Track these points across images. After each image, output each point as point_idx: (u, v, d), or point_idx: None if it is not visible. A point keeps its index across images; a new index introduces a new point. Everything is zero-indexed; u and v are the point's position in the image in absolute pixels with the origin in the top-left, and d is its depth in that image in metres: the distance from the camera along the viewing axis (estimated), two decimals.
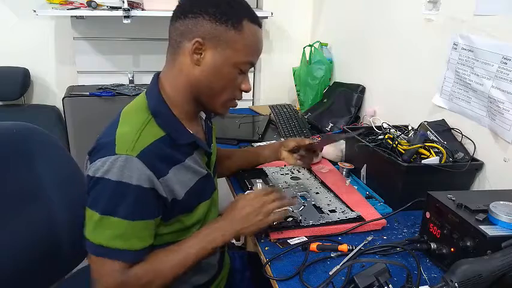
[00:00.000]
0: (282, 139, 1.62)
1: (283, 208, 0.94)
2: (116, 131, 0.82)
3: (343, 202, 1.12)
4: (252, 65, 0.91)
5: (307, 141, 1.21)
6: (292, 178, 1.27)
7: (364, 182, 1.28)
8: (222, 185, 1.41)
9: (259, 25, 0.90)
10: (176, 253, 0.85)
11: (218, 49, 0.85)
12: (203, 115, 1.03)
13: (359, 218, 1.04)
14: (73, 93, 2.02)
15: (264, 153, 1.28)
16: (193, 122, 0.95)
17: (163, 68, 0.93)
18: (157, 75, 0.92)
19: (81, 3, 2.01)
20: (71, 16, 2.04)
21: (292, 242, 0.96)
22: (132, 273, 0.80)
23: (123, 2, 1.87)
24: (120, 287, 0.80)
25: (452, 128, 1.25)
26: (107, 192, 0.78)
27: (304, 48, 2.02)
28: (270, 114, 1.87)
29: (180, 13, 0.87)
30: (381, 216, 1.05)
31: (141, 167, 0.78)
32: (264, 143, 1.58)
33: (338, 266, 0.87)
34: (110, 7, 1.94)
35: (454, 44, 1.23)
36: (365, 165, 1.27)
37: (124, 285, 0.80)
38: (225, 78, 0.87)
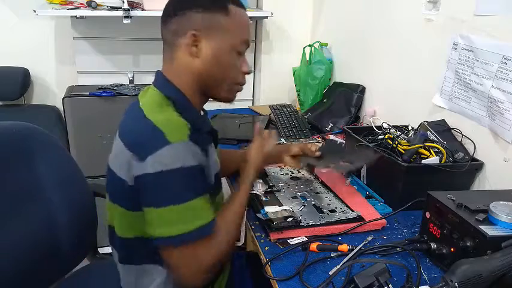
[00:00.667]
0: (282, 139, 1.62)
1: None
2: (151, 121, 0.81)
3: (343, 202, 1.12)
4: (247, 43, 0.93)
5: (312, 148, 1.19)
6: (292, 178, 1.27)
7: (364, 182, 1.28)
8: (223, 185, 1.42)
9: (243, 7, 0.93)
10: (233, 205, 0.93)
11: (213, 37, 0.87)
12: (217, 100, 1.05)
13: (359, 218, 1.04)
14: (73, 93, 2.01)
15: None
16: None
17: (162, 68, 0.93)
18: (161, 73, 0.93)
19: (81, 3, 2.01)
20: (71, 16, 2.04)
21: (292, 242, 0.97)
22: (217, 240, 0.83)
23: (123, 2, 1.87)
24: (216, 257, 0.83)
25: (452, 128, 1.25)
26: (177, 182, 0.79)
27: (304, 48, 2.02)
28: (270, 114, 1.87)
29: (168, 14, 0.89)
30: (381, 216, 1.05)
31: (195, 149, 0.82)
32: None
33: (338, 266, 0.87)
34: (110, 7, 1.94)
35: (454, 44, 1.23)
36: (365, 165, 1.27)
37: (217, 254, 0.84)
38: (226, 63, 0.89)
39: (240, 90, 0.97)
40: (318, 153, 1.18)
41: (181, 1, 0.88)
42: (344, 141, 1.21)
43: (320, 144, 1.23)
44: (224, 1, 0.88)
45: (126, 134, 0.85)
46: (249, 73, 0.95)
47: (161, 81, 0.91)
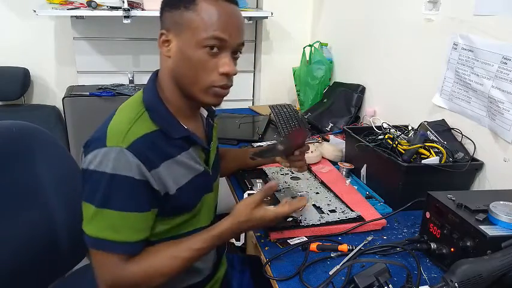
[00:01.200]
0: (282, 139, 1.62)
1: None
2: (108, 125, 0.83)
3: (343, 202, 1.12)
4: (221, 40, 0.83)
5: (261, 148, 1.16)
6: (292, 178, 1.27)
7: (364, 182, 1.28)
8: (222, 184, 1.42)
9: (227, 0, 0.85)
10: (177, 248, 0.85)
11: (180, 35, 0.84)
12: (205, 113, 1.02)
13: (359, 218, 1.04)
14: (73, 93, 2.02)
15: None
16: (190, 119, 0.94)
17: None
18: (155, 73, 0.93)
19: (81, 3, 2.01)
20: (71, 16, 2.04)
21: (292, 242, 0.97)
22: (130, 267, 0.80)
23: (123, 2, 1.87)
24: (116, 279, 0.80)
25: (452, 128, 1.25)
26: (100, 185, 0.78)
27: (304, 48, 2.02)
28: (270, 114, 1.87)
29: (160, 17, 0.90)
30: (381, 216, 1.05)
31: (132, 159, 0.78)
32: (264, 143, 1.58)
33: (338, 266, 0.87)
34: (110, 7, 1.94)
35: (454, 44, 1.23)
36: (365, 165, 1.27)
37: (120, 278, 0.80)
38: (193, 61, 0.83)
39: (223, 94, 0.88)
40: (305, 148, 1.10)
41: (161, 4, 0.88)
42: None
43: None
44: None
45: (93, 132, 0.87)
46: (228, 74, 0.86)
47: (148, 82, 0.92)
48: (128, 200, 0.80)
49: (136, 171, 0.79)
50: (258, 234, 1.01)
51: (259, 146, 1.53)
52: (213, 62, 0.84)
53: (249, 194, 1.11)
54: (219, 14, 0.83)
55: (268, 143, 1.58)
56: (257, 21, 2.25)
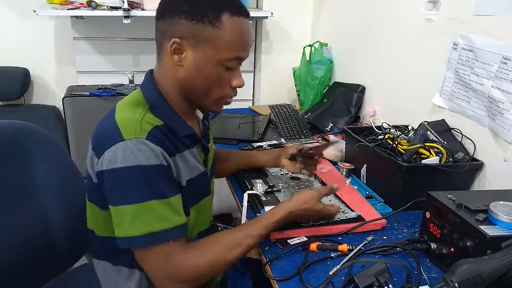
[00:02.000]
0: (282, 139, 1.62)
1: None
2: (114, 119, 0.81)
3: (343, 202, 1.12)
4: (240, 59, 0.87)
5: (306, 147, 1.19)
6: (292, 178, 1.27)
7: (364, 182, 1.28)
8: (222, 184, 1.42)
9: (245, 15, 0.85)
10: (239, 234, 0.86)
11: (198, 48, 0.82)
12: (200, 115, 1.02)
13: (359, 218, 1.04)
14: (73, 93, 2.02)
15: (263, 158, 1.28)
16: (190, 119, 0.94)
17: (154, 67, 0.92)
18: (150, 72, 0.92)
19: (81, 3, 2.01)
20: (71, 16, 2.04)
21: (292, 242, 0.96)
22: (192, 257, 0.80)
23: (123, 2, 1.87)
24: (181, 270, 0.79)
25: (452, 128, 1.25)
26: (132, 181, 0.76)
27: (304, 48, 2.02)
28: (270, 114, 1.87)
29: (160, 13, 0.85)
30: (381, 216, 1.05)
31: (154, 147, 0.78)
32: (264, 143, 1.58)
33: (338, 266, 0.87)
34: (110, 7, 1.94)
35: (454, 44, 1.23)
36: (365, 165, 1.27)
37: (184, 268, 0.79)
38: (210, 78, 0.84)
39: (229, 103, 0.93)
40: (313, 151, 1.17)
41: (174, 4, 0.83)
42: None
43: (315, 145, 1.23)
44: (218, 11, 0.80)
45: (94, 132, 0.85)
46: (240, 87, 0.89)
47: (145, 81, 0.91)
48: (166, 187, 0.79)
49: (162, 157, 0.79)
50: None
51: (287, 145, 1.52)
52: (227, 76, 0.86)
53: (249, 194, 1.11)
54: (241, 33, 0.84)
55: (273, 142, 1.58)
56: (257, 21, 2.25)
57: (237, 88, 0.90)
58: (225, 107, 0.95)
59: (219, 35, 0.81)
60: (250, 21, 0.90)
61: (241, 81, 0.88)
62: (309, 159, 1.20)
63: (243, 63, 0.90)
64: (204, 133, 1.01)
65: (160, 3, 0.87)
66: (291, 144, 1.53)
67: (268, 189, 1.16)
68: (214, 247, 0.83)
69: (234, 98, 0.93)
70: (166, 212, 0.78)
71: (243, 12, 0.84)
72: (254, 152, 1.41)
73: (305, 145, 1.22)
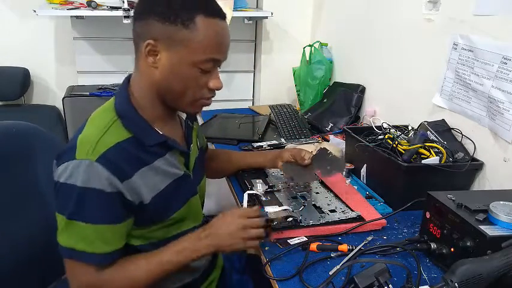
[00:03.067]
0: (282, 139, 1.62)
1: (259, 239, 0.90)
2: (78, 136, 0.82)
3: (343, 202, 1.12)
4: (216, 61, 0.85)
5: (305, 156, 1.15)
6: (292, 178, 1.26)
7: (364, 182, 1.28)
8: (222, 185, 1.42)
9: (221, 17, 0.84)
10: (152, 260, 0.84)
11: (172, 49, 0.81)
12: (183, 115, 1.01)
13: (359, 218, 1.04)
14: (73, 93, 2.02)
15: (260, 160, 1.27)
16: (167, 123, 0.92)
17: (133, 71, 0.91)
18: (128, 78, 0.91)
19: (81, 3, 2.01)
20: (71, 16, 2.04)
21: (292, 242, 0.96)
22: (102, 277, 0.81)
23: (123, 2, 1.87)
24: (93, 286, 0.81)
25: (452, 128, 1.25)
26: (70, 197, 0.78)
27: (304, 48, 2.02)
28: (270, 114, 1.87)
29: (136, 14, 0.85)
30: (381, 216, 1.05)
31: (101, 171, 0.77)
32: (264, 143, 1.58)
33: (338, 266, 0.87)
34: (110, 7, 1.94)
35: (454, 44, 1.23)
36: (365, 165, 1.27)
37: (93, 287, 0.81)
38: (185, 79, 0.83)
39: (208, 105, 0.91)
40: (307, 162, 1.14)
41: (146, 5, 0.83)
42: (333, 154, 1.14)
43: (312, 151, 1.19)
44: (191, 13, 0.80)
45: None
46: (218, 89, 0.88)
47: (120, 88, 0.90)
48: (99, 213, 0.79)
49: (107, 183, 0.78)
50: None
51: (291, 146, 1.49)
52: (204, 78, 0.85)
53: (249, 194, 1.11)
54: (216, 35, 0.82)
55: (273, 142, 1.58)
56: (257, 21, 2.25)
57: (216, 90, 0.89)
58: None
59: (193, 37, 0.80)
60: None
61: (218, 83, 0.87)
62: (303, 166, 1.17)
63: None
64: (186, 135, 1.00)
65: (136, 4, 0.87)
66: (291, 145, 1.52)
67: (268, 189, 1.16)
68: (126, 269, 0.84)
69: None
70: (92, 236, 0.79)
71: (218, 14, 0.83)
72: (252, 153, 1.41)
73: (300, 151, 1.18)
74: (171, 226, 0.93)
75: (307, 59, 2.00)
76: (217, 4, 0.85)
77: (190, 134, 1.01)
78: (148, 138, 0.86)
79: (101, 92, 2.03)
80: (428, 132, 1.22)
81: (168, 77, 0.83)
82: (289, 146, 1.36)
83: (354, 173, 1.34)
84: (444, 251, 0.87)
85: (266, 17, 2.12)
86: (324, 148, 1.16)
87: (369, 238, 0.99)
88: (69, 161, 0.79)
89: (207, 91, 0.88)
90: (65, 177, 0.78)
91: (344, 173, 1.33)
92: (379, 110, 1.67)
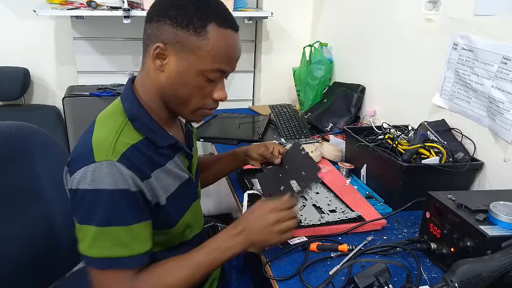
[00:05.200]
0: (282, 139, 1.62)
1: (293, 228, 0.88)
2: (91, 138, 0.79)
3: (343, 202, 1.12)
4: (223, 72, 0.84)
5: (271, 150, 1.11)
6: None
7: (364, 182, 1.28)
8: (222, 184, 1.42)
9: (233, 29, 0.83)
10: (185, 264, 0.82)
11: (181, 55, 0.80)
12: (183, 119, 1.00)
13: (359, 218, 1.04)
14: (73, 93, 2.02)
15: (232, 164, 1.22)
16: (171, 126, 0.92)
17: (138, 72, 0.90)
18: (131, 80, 0.90)
19: (81, 3, 2.01)
20: (71, 16, 2.04)
21: (292, 242, 0.96)
22: (138, 283, 0.78)
23: (123, 2, 1.88)
24: None
25: (452, 128, 1.25)
26: (98, 204, 0.75)
27: (304, 48, 2.02)
28: (270, 114, 1.87)
29: (148, 16, 0.84)
30: (381, 216, 1.05)
31: (125, 171, 0.76)
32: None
33: (338, 266, 0.87)
34: (110, 7, 1.94)
35: (454, 44, 1.23)
36: (365, 165, 1.27)
37: None
38: (190, 86, 0.82)
39: (209, 115, 0.90)
40: (278, 161, 1.09)
41: (161, 9, 0.82)
42: (306, 152, 1.01)
43: (284, 146, 1.13)
44: (204, 20, 0.79)
45: (74, 147, 0.83)
46: (222, 100, 0.87)
47: (125, 91, 0.88)
48: (130, 213, 0.77)
49: (132, 182, 0.76)
50: None
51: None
52: (209, 88, 0.84)
53: (249, 194, 1.11)
54: (226, 46, 0.81)
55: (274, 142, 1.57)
56: (257, 21, 2.25)
57: (219, 101, 0.88)
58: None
59: (203, 45, 0.79)
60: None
61: (223, 94, 0.86)
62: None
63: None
64: (187, 137, 1.00)
65: (150, 6, 0.86)
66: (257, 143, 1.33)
67: None
68: (161, 272, 0.81)
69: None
70: (127, 239, 0.77)
71: (232, 25, 0.82)
72: (222, 157, 1.27)
73: (269, 145, 1.12)
74: (175, 234, 0.91)
75: (307, 59, 2.00)
76: (232, 16, 0.84)
77: (191, 138, 1.02)
78: (161, 139, 0.86)
79: (101, 92, 2.03)
80: (428, 132, 1.22)
81: (173, 82, 0.82)
82: (254, 146, 1.19)
83: (354, 173, 1.34)
84: (444, 251, 0.87)
85: (266, 17, 2.12)
86: (298, 143, 1.07)
87: (369, 238, 0.99)
88: (86, 165, 0.75)
89: (211, 101, 0.87)
90: (86, 183, 0.74)
91: (344, 172, 1.33)
92: (379, 110, 1.67)
